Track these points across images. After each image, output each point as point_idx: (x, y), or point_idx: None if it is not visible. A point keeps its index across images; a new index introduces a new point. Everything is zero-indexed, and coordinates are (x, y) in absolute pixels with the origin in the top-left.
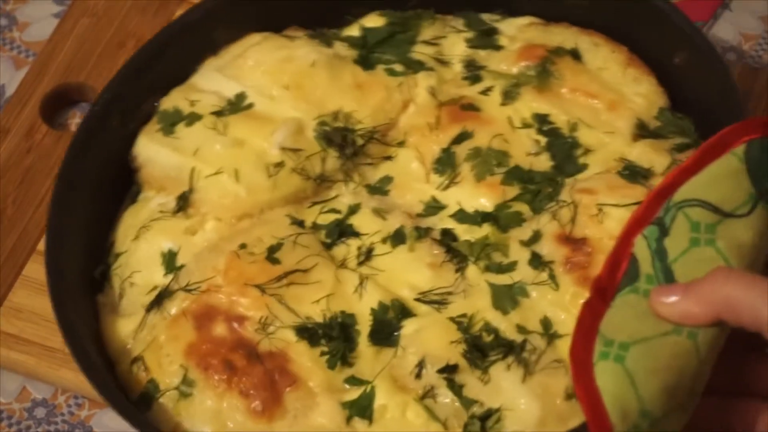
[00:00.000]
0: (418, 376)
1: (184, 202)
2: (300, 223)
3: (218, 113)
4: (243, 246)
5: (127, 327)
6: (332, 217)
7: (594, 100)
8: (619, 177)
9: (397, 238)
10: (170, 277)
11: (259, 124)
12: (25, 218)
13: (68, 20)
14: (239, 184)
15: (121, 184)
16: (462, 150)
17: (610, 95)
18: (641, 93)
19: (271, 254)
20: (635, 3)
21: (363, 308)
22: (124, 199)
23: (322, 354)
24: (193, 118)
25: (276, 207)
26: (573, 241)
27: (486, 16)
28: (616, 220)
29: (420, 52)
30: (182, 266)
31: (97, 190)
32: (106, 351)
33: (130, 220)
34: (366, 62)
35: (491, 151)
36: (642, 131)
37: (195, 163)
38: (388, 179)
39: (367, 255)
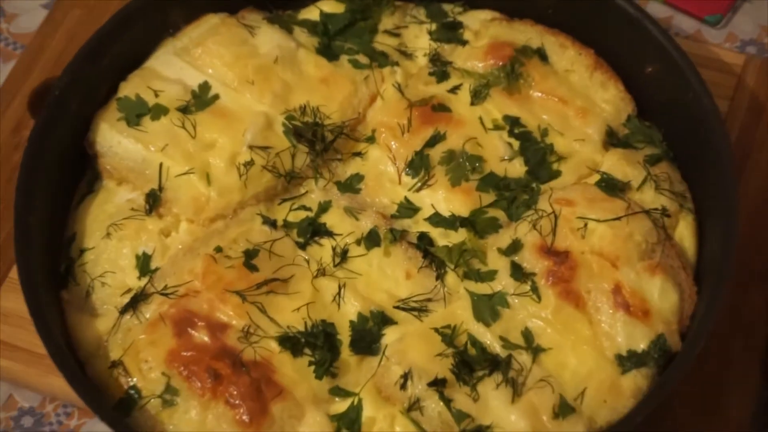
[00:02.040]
0: (403, 387)
1: (154, 201)
2: (272, 223)
3: (185, 109)
4: (219, 249)
5: (98, 328)
6: (303, 214)
7: (564, 106)
8: (598, 189)
9: (371, 239)
10: (144, 280)
11: (228, 123)
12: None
13: (58, 11)
14: (211, 186)
15: (76, 170)
16: (435, 153)
17: (578, 101)
18: (608, 99)
19: (249, 260)
20: (606, 7)
21: (342, 317)
22: (78, 185)
23: (310, 364)
24: (158, 111)
25: (248, 206)
26: (555, 254)
27: (447, 7)
28: (598, 236)
29: (383, 42)
30: (157, 269)
31: (56, 177)
32: (76, 351)
33: (95, 212)
34: (329, 52)
35: (465, 156)
36: (612, 139)
37: (164, 160)
38: (358, 177)
39: (342, 257)
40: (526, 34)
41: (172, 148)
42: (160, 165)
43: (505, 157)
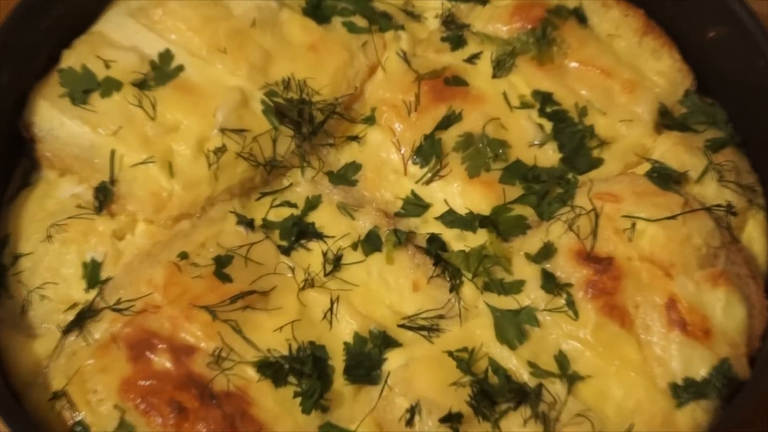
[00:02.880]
0: (410, 423)
1: (105, 197)
2: (249, 223)
3: (142, 83)
4: (184, 255)
5: (36, 350)
6: (287, 212)
7: (607, 78)
8: (648, 181)
9: (370, 243)
10: (92, 292)
11: (195, 101)
12: None
13: None
14: (174, 178)
15: (9, 157)
16: (449, 137)
17: (625, 73)
18: (662, 71)
19: (221, 268)
20: None
21: (335, 338)
22: (12, 176)
23: (295, 395)
24: (110, 86)
25: (219, 202)
26: (596, 260)
27: None
28: (649, 238)
29: (385, 1)
30: (108, 279)
31: None
32: (10, 379)
33: (33, 209)
34: (318, 13)
35: (486, 140)
36: (665, 120)
37: (116, 146)
38: (355, 166)
39: (334, 264)
40: None
41: (127, 132)
42: (112, 152)
43: (535, 142)
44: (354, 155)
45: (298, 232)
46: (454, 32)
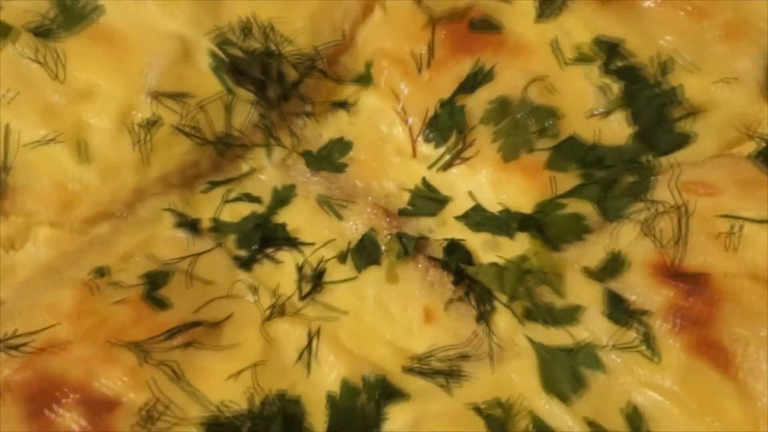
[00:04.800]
0: None
1: None
2: (192, 225)
3: (45, 31)
4: (101, 271)
5: None
6: (246, 209)
7: (699, 20)
8: (754, 166)
9: (364, 252)
10: None
11: (118, 54)
12: None
13: None
14: (88, 164)
15: None
16: (476, 103)
17: (725, 12)
18: None
19: (153, 290)
20: None
21: (314, 387)
22: None
23: None
24: None
25: (151, 196)
26: (683, 278)
27: None
28: (758, 247)
29: None
30: None
31: None
32: None
33: None
34: None
35: (528, 108)
36: None
37: (9, 119)
38: (343, 145)
39: (314, 283)
40: None
41: (23, 99)
42: (6, 128)
43: (598, 110)
44: (342, 129)
45: (263, 237)
46: None
